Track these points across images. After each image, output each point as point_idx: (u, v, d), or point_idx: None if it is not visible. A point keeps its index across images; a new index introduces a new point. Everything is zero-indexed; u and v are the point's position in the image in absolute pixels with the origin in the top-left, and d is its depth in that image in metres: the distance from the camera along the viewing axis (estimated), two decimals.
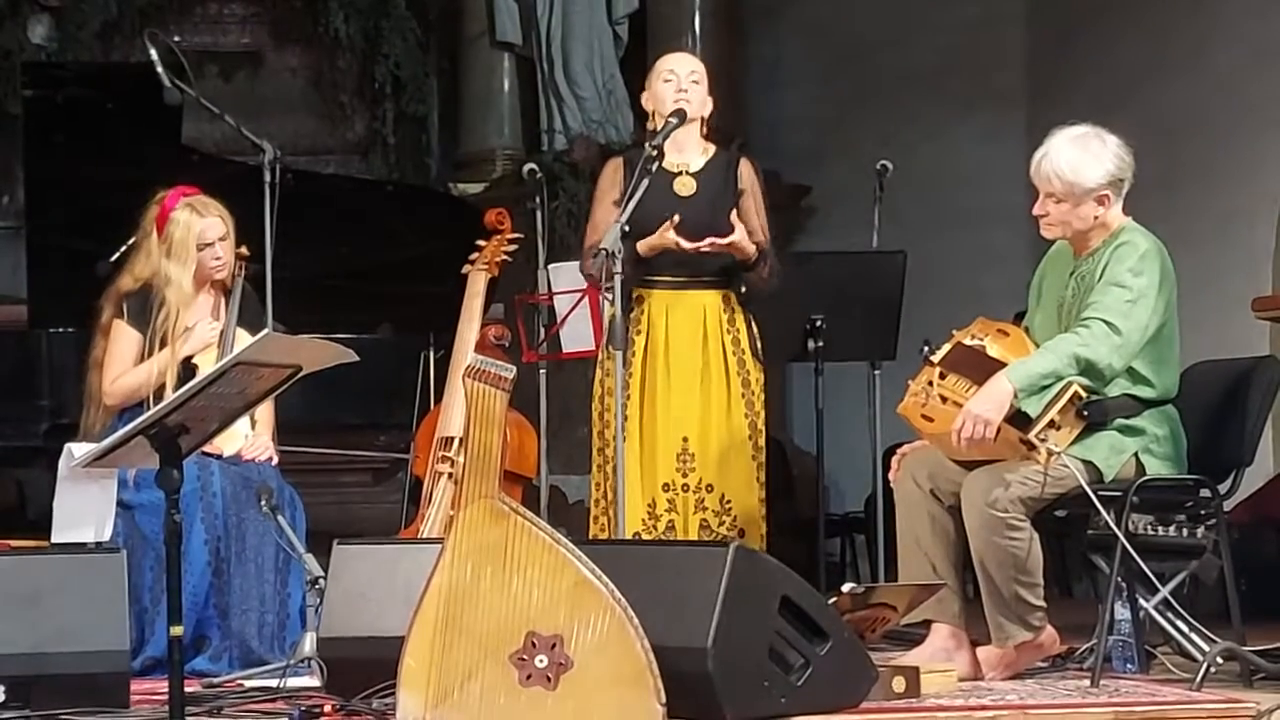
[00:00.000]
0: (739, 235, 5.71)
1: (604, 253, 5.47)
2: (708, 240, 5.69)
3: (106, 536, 4.88)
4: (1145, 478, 5.04)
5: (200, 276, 5.74)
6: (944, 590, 5.14)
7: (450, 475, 6.14)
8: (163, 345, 5.65)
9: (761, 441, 5.86)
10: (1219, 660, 4.96)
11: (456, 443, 6.13)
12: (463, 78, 10.84)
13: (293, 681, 4.92)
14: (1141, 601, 5.20)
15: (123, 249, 5.87)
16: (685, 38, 10.11)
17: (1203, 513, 5.16)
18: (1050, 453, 4.93)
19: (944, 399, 5.04)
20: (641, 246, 5.72)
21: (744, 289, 5.83)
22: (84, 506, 4.80)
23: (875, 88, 10.56)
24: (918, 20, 10.57)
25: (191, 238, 5.70)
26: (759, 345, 5.89)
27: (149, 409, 4.74)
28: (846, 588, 5.13)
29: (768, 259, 5.82)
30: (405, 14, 10.82)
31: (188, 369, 5.60)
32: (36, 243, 8.01)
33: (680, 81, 5.83)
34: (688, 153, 5.89)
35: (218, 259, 5.73)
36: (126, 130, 7.69)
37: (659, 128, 5.76)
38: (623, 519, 5.63)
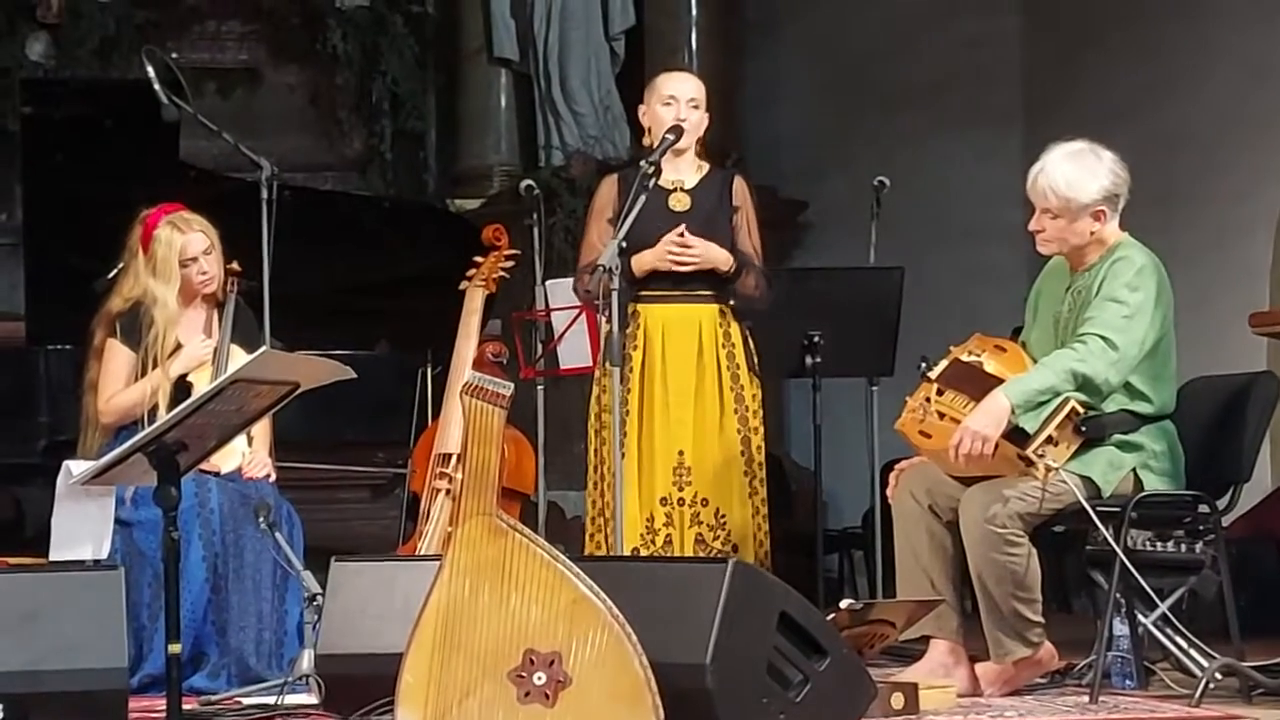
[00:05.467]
0: (702, 252, 5.73)
1: (601, 269, 5.48)
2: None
3: (104, 554, 4.87)
4: (1143, 493, 5.04)
5: (187, 292, 5.74)
6: (942, 606, 5.14)
7: (448, 492, 6.13)
8: (154, 364, 5.65)
9: (760, 457, 5.85)
10: (1218, 676, 4.96)
11: (454, 459, 6.13)
12: (460, 94, 10.83)
13: (290, 698, 4.92)
14: (1140, 617, 5.20)
15: (113, 272, 5.87)
16: (682, 54, 10.09)
17: (1201, 528, 5.17)
18: (1048, 468, 4.93)
19: (941, 415, 5.04)
20: (636, 265, 5.74)
21: (731, 301, 5.84)
22: (82, 524, 4.80)
23: (872, 104, 10.54)
24: (915, 37, 10.56)
25: (174, 254, 5.70)
26: (755, 360, 5.89)
27: (144, 429, 4.74)
28: (845, 604, 5.13)
29: (753, 273, 5.82)
30: (403, 31, 10.81)
31: (183, 387, 5.60)
32: (34, 259, 7.99)
33: (680, 109, 5.84)
34: (683, 170, 5.90)
35: (204, 274, 5.73)
36: (124, 147, 7.67)
37: (656, 144, 5.78)
38: (621, 535, 5.63)
